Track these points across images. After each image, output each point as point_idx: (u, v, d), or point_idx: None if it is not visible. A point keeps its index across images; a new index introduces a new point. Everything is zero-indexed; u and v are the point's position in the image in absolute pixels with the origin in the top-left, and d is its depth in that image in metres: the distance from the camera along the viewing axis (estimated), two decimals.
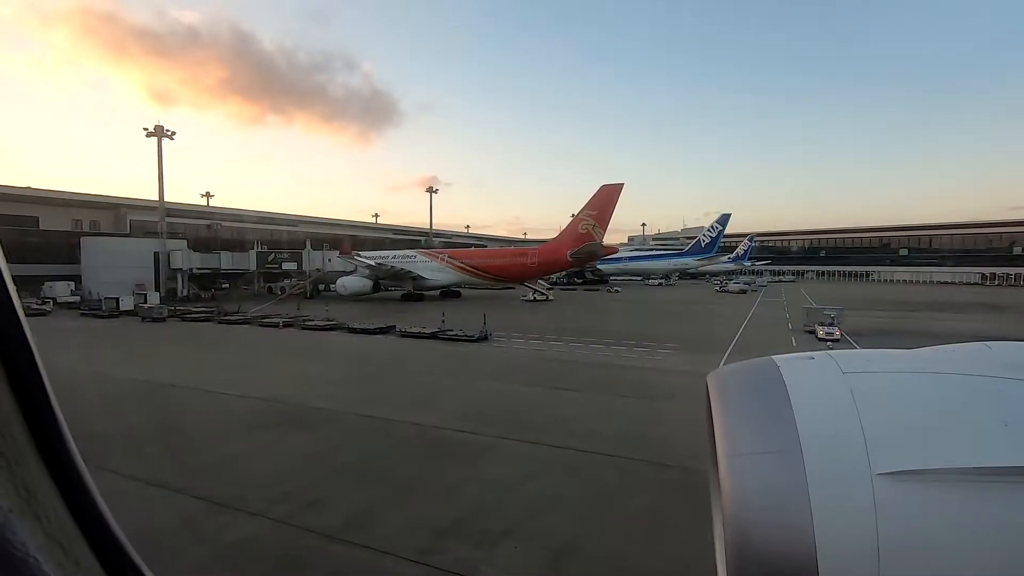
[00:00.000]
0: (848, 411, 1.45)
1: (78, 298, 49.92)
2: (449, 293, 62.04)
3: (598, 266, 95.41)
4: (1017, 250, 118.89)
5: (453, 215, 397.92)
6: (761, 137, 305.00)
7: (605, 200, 55.95)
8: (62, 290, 49.92)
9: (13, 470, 1.01)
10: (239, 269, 61.13)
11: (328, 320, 35.46)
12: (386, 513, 9.45)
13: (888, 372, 1.63)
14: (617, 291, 77.63)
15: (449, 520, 9.11)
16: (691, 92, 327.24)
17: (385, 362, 23.89)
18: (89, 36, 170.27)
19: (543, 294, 59.16)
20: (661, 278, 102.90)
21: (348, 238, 72.47)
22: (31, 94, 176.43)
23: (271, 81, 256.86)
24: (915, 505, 1.31)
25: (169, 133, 57.73)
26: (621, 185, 56.04)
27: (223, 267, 59.62)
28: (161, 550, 8.28)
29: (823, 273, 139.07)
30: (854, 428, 1.41)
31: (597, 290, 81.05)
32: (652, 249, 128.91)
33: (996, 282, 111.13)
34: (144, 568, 1.29)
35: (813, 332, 31.27)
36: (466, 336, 29.32)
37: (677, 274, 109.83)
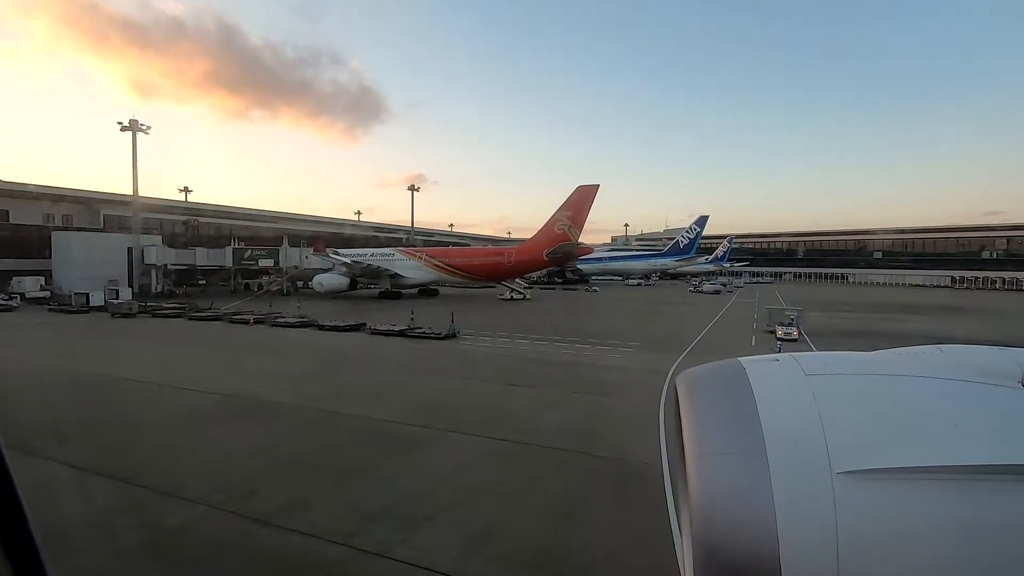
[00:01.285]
0: (810, 412, 1.50)
1: (48, 293, 49.37)
2: (427, 291, 62.38)
3: (578, 266, 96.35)
4: (986, 254, 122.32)
5: (439, 213, 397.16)
6: (743, 141, 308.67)
7: (581, 201, 56.72)
8: (31, 285, 49.35)
9: None
10: (215, 265, 60.80)
11: (300, 317, 35.60)
12: (321, 500, 9.93)
13: (848, 374, 1.70)
14: (595, 291, 78.54)
15: (379, 507, 9.62)
16: (675, 95, 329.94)
17: (349, 359, 24.28)
18: (69, 25, 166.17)
19: (520, 293, 59.74)
20: (641, 278, 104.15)
21: (322, 236, 72.51)
22: (5, 84, 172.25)
23: (257, 75, 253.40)
24: (873, 502, 1.36)
25: (144, 127, 57.25)
26: (597, 186, 56.87)
27: (199, 263, 59.22)
28: (98, 534, 8.70)
29: (800, 275, 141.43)
30: (816, 428, 1.46)
31: (576, 289, 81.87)
32: (632, 249, 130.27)
33: (965, 285, 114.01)
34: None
35: (774, 332, 32.25)
36: (434, 334, 29.77)
37: (657, 275, 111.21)
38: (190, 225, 74.36)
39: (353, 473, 11.25)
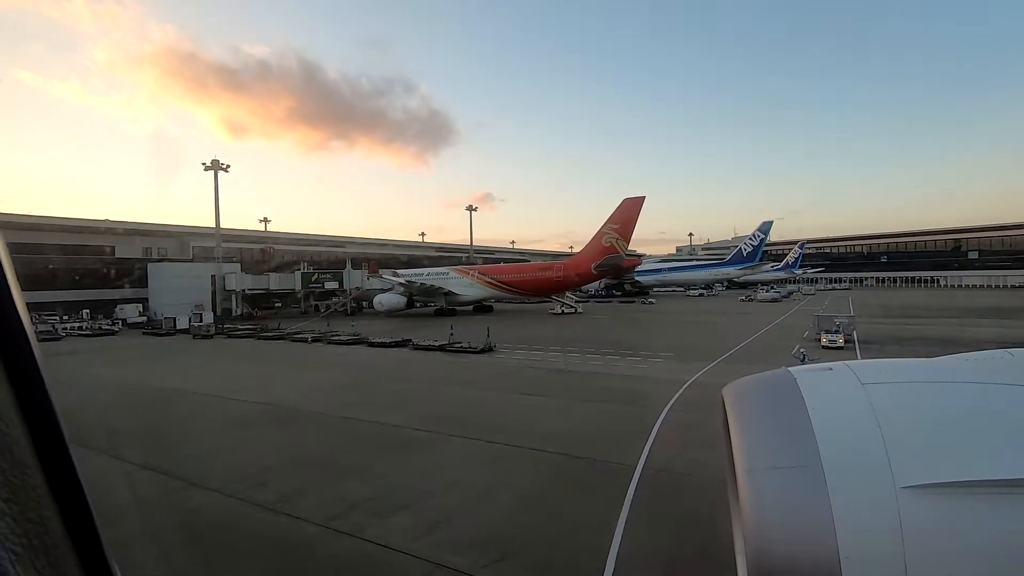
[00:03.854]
0: (868, 423, 1.42)
1: (145, 319, 55.54)
2: (482, 308, 64.30)
3: (637, 278, 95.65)
4: None
5: (507, 231, 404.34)
6: (817, 140, 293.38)
7: (627, 213, 56.93)
8: (131, 312, 55.80)
9: (7, 472, 1.01)
10: (287, 289, 65.82)
11: (353, 335, 38.30)
12: (317, 491, 11.36)
13: (908, 382, 1.59)
14: (652, 303, 77.56)
15: (364, 497, 10.91)
16: (742, 98, 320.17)
17: (386, 372, 26.08)
18: (173, 76, 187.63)
19: (571, 307, 60.33)
20: (703, 288, 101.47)
21: (387, 257, 76.41)
22: (119, 132, 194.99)
23: (335, 108, 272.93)
24: (942, 519, 1.27)
25: (224, 166, 63.33)
26: (642, 198, 56.88)
27: (272, 287, 64.40)
28: (135, 511, 10.56)
29: (883, 279, 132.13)
30: (875, 441, 1.38)
31: (633, 302, 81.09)
32: (693, 259, 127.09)
33: None
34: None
35: (819, 339, 31.19)
36: (470, 348, 31.21)
37: (724, 284, 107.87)
38: (266, 253, 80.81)
39: (353, 470, 12.64)
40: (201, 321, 49.19)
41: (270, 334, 42.01)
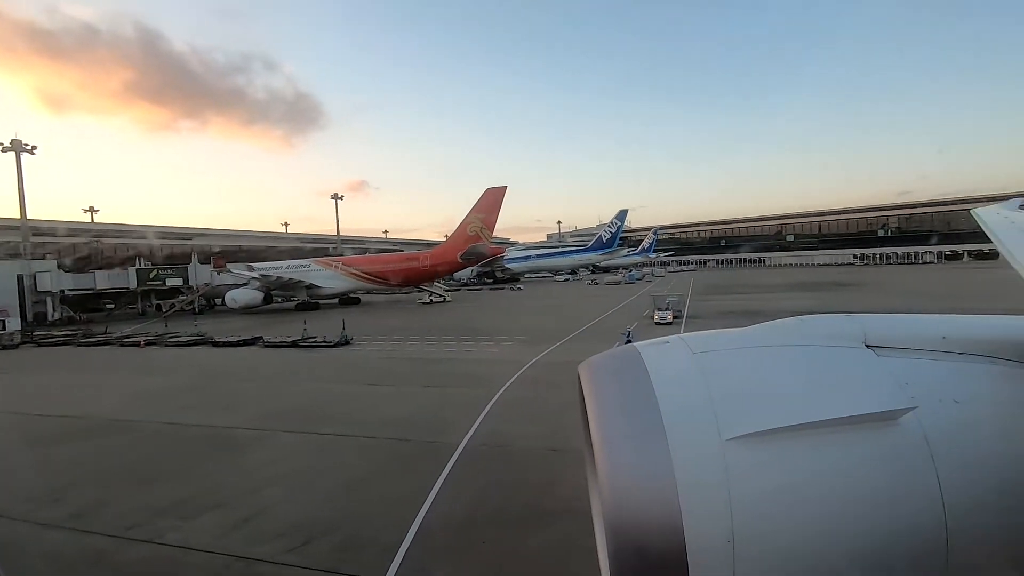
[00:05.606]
0: (699, 387, 1.63)
1: None
2: (348, 300, 62.42)
3: (507, 265, 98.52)
4: (882, 232, 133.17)
5: (382, 220, 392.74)
6: (669, 135, 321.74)
7: (491, 202, 58.47)
8: None
9: None
10: (118, 288, 58.49)
11: (195, 335, 35.35)
12: (119, 503, 10.68)
13: (728, 349, 1.87)
14: (520, 289, 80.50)
15: (173, 502, 10.48)
16: (607, 95, 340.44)
17: (227, 373, 24.60)
18: None
19: (440, 296, 60.74)
20: (568, 273, 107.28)
21: (231, 250, 71.04)
22: None
23: (183, 84, 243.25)
24: (758, 463, 1.48)
25: (29, 147, 54.52)
26: (504, 188, 58.84)
27: (99, 287, 56.85)
28: None
29: (723, 261, 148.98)
30: (705, 402, 1.59)
31: (503, 289, 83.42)
32: (559, 246, 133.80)
33: (865, 261, 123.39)
34: None
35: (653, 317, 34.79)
36: (325, 343, 30.39)
37: (590, 268, 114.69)
38: (92, 248, 71.05)
39: (166, 476, 12.01)
40: (4, 329, 42.07)
41: (93, 340, 37.29)
